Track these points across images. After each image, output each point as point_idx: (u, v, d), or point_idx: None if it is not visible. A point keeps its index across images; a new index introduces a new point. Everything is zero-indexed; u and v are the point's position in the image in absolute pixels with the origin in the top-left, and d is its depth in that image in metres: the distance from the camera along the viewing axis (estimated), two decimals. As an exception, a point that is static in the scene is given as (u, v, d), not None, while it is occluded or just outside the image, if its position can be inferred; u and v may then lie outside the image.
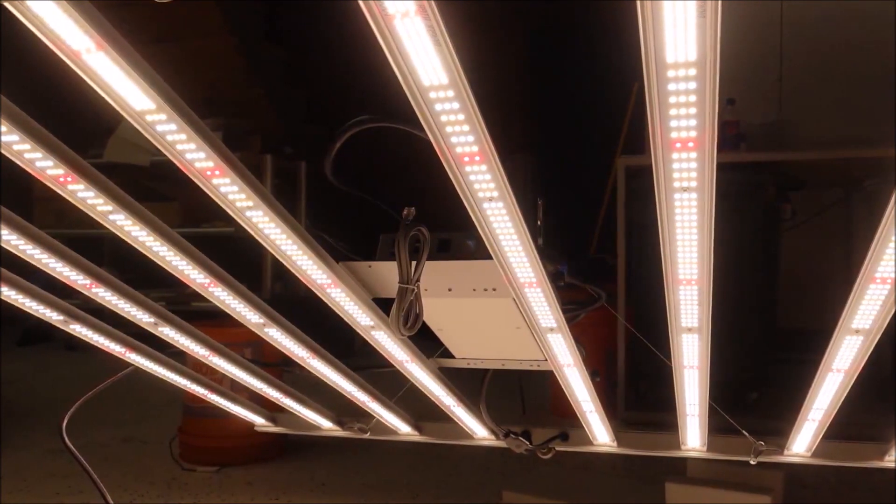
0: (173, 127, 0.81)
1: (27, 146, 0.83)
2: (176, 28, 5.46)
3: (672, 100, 0.71)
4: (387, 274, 1.18)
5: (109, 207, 0.94)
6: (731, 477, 2.12)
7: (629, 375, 3.25)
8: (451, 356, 1.49)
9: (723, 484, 2.10)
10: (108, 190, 0.93)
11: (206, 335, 1.44)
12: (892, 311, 0.99)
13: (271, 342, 1.36)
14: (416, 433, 1.81)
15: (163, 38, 5.29)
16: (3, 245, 1.01)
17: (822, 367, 1.19)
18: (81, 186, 0.90)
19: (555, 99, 5.85)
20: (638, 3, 0.63)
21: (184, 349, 1.44)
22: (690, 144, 0.77)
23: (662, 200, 0.86)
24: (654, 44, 0.66)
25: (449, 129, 0.78)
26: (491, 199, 0.89)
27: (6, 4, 0.65)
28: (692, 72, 0.68)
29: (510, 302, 1.16)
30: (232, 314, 1.25)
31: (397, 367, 1.45)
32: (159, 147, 0.84)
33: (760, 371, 3.32)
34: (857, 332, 1.06)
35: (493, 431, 1.71)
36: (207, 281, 1.14)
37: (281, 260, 1.08)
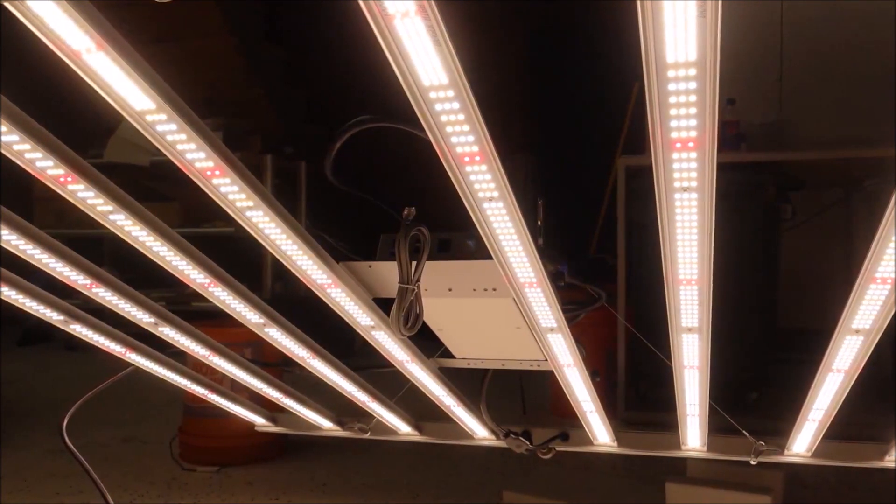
0: (173, 127, 0.81)
1: (27, 146, 0.83)
2: (176, 28, 5.46)
3: (672, 100, 0.71)
4: (387, 274, 1.18)
5: (109, 207, 0.94)
6: (731, 477, 2.12)
7: (629, 375, 3.25)
8: (452, 356, 1.49)
9: (723, 484, 2.10)
10: (109, 190, 0.93)
11: (207, 335, 1.44)
12: (893, 312, 0.99)
13: (271, 342, 1.36)
14: (416, 433, 1.81)
15: (163, 38, 5.29)
16: (3, 245, 1.01)
17: (822, 368, 1.19)
18: (81, 186, 0.90)
19: (555, 99, 5.85)
20: (638, 3, 0.63)
21: (184, 349, 1.44)
22: (690, 144, 0.77)
23: (662, 200, 0.86)
24: (655, 44, 0.66)
25: (449, 129, 0.78)
26: (491, 199, 0.89)
27: (6, 4, 0.65)
28: (692, 72, 0.68)
29: (510, 302, 1.16)
30: (232, 314, 1.25)
31: (397, 367, 1.45)
32: (159, 147, 0.84)
33: (760, 371, 3.32)
34: (858, 332, 1.06)
35: (493, 431, 1.71)
36: (207, 281, 1.14)
37: (281, 260, 1.08)
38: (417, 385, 1.53)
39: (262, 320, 1.28)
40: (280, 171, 5.12)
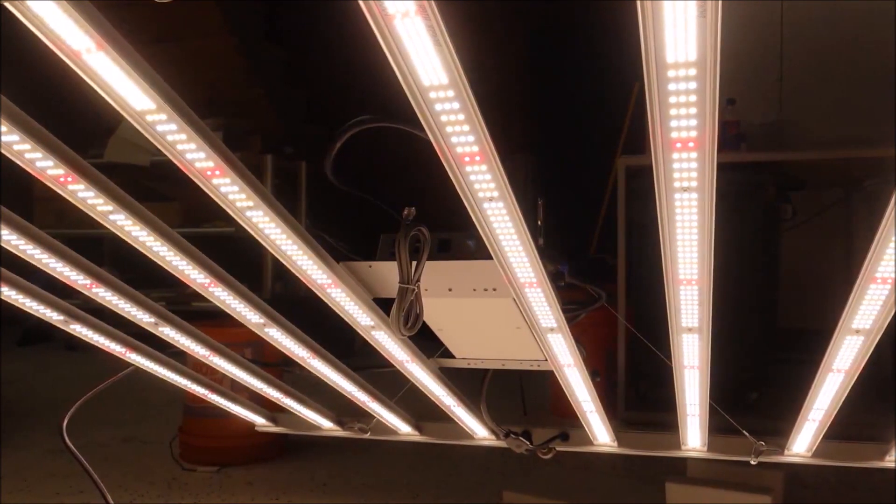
0: (173, 127, 0.81)
1: (27, 146, 0.83)
2: (176, 28, 5.46)
3: (672, 100, 0.71)
4: (387, 274, 1.18)
5: (110, 207, 0.94)
6: (731, 477, 2.12)
7: (629, 375, 3.25)
8: (452, 356, 1.49)
9: (723, 484, 2.10)
10: (109, 190, 0.93)
11: (207, 335, 1.44)
12: (893, 312, 0.99)
13: (271, 342, 1.36)
14: (416, 433, 1.81)
15: (163, 38, 5.29)
16: (3, 245, 1.01)
17: (822, 368, 1.19)
18: (82, 186, 0.90)
19: (555, 99, 5.85)
20: (638, 3, 0.63)
21: (184, 349, 1.44)
22: (691, 144, 0.77)
23: (663, 200, 0.86)
24: (655, 44, 0.66)
25: (449, 129, 0.78)
26: (491, 199, 0.89)
27: (6, 4, 0.65)
28: (692, 72, 0.68)
29: (510, 302, 1.16)
30: (232, 314, 1.25)
31: (397, 367, 1.45)
32: (159, 147, 0.84)
33: (760, 371, 3.32)
34: (858, 332, 1.06)
35: (493, 431, 1.71)
36: (208, 281, 1.14)
37: (281, 260, 1.08)
38: (417, 385, 1.53)
39: (262, 320, 1.28)
40: (280, 171, 5.12)
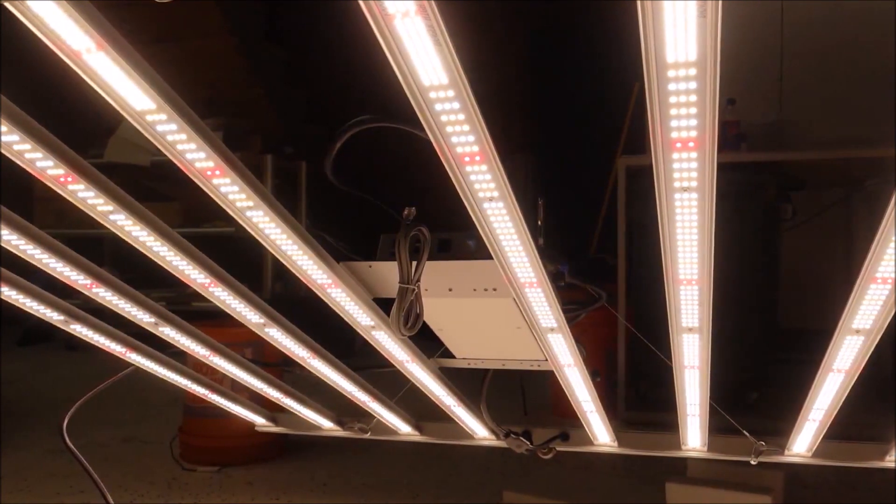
0: (174, 127, 0.81)
1: (27, 146, 0.83)
2: (176, 28, 5.46)
3: (672, 100, 0.71)
4: (387, 274, 1.18)
5: (110, 207, 0.94)
6: (731, 477, 2.12)
7: (629, 375, 3.25)
8: (452, 356, 1.49)
9: (723, 484, 2.10)
10: (109, 190, 0.93)
11: (207, 335, 1.44)
12: (893, 312, 0.99)
13: (272, 342, 1.36)
14: (416, 433, 1.81)
15: (163, 38, 5.29)
16: (3, 245, 1.01)
17: (822, 368, 1.19)
18: (82, 186, 0.90)
19: (555, 99, 5.86)
20: (638, 3, 0.63)
21: (184, 349, 1.44)
22: (691, 144, 0.77)
23: (663, 200, 0.86)
24: (655, 44, 0.66)
25: (449, 129, 0.78)
26: (491, 199, 0.89)
27: (6, 4, 0.65)
28: (692, 72, 0.68)
29: (510, 302, 1.16)
30: (232, 314, 1.25)
31: (398, 367, 1.45)
32: (159, 147, 0.84)
33: (761, 371, 3.32)
34: (858, 332, 1.06)
35: (493, 431, 1.71)
36: (208, 281, 1.14)
37: (281, 260, 1.08)
38: (418, 385, 1.53)
39: (262, 320, 1.28)
40: (280, 171, 5.12)
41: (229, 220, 0.97)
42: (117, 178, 0.94)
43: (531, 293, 1.11)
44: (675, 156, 0.78)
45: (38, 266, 1.07)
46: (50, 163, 0.85)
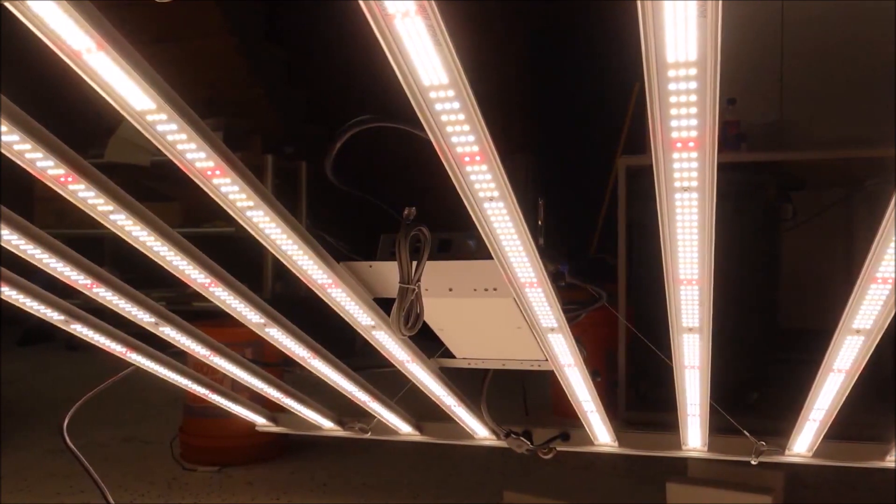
0: (174, 127, 0.81)
1: (28, 146, 0.83)
2: (176, 28, 5.46)
3: (672, 100, 0.71)
4: (387, 274, 1.18)
5: (110, 207, 0.94)
6: (731, 477, 2.12)
7: (630, 375, 3.25)
8: (452, 356, 1.49)
9: (723, 484, 2.10)
10: (109, 190, 0.93)
11: (207, 335, 1.44)
12: (893, 312, 0.99)
13: (272, 342, 1.36)
14: (416, 433, 1.81)
15: (163, 38, 5.29)
16: (3, 245, 1.01)
17: (822, 368, 1.19)
18: (82, 186, 0.90)
19: (555, 99, 5.86)
20: (638, 3, 0.63)
21: (184, 349, 1.44)
22: (691, 144, 0.77)
23: (663, 200, 0.86)
24: (655, 44, 0.66)
25: (449, 129, 0.78)
26: (491, 199, 0.89)
27: (6, 4, 0.65)
28: (693, 71, 0.68)
29: (511, 302, 1.16)
30: (232, 314, 1.25)
31: (398, 367, 1.45)
32: (160, 147, 0.84)
33: (761, 371, 3.32)
34: (858, 332, 1.06)
35: (493, 431, 1.71)
36: (208, 281, 1.14)
37: (281, 260, 1.08)
38: (418, 385, 1.53)
39: (262, 320, 1.28)
40: (280, 171, 5.12)
41: (229, 220, 0.97)
42: (117, 178, 0.94)
43: (531, 293, 1.11)
44: (676, 156, 0.78)
45: (39, 266, 1.07)
46: (50, 163, 0.85)
